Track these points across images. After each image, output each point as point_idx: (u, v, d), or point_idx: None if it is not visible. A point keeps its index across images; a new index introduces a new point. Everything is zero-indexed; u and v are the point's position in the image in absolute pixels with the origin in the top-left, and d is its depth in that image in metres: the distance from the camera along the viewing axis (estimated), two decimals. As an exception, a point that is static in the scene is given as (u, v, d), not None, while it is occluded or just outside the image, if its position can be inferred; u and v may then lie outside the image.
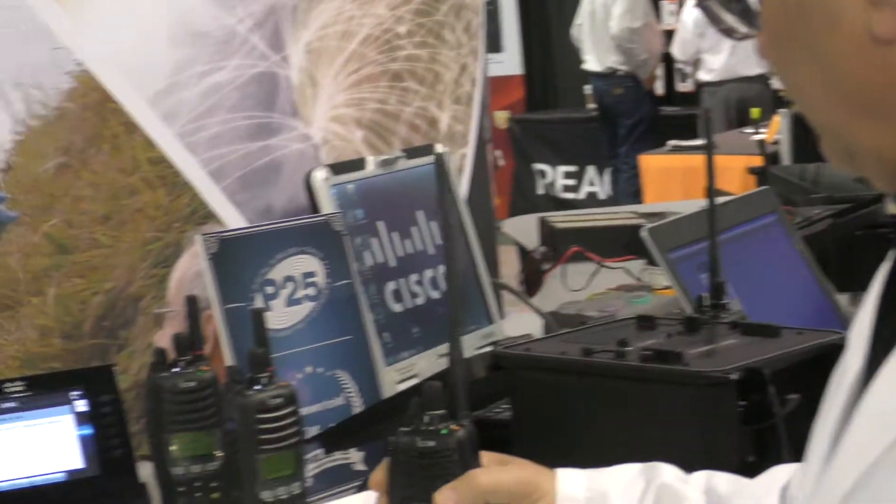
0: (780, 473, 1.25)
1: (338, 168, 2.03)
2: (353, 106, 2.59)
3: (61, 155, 2.05)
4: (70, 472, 1.56)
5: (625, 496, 1.26)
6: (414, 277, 2.06)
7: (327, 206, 1.96)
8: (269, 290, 1.77)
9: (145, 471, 1.59)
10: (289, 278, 1.79)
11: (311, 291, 1.81)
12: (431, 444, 1.22)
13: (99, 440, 1.58)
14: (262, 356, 1.52)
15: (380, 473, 1.27)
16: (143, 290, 2.10)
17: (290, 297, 1.79)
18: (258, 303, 1.74)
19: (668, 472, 1.28)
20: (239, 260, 1.74)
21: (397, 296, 2.03)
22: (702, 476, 1.28)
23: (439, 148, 2.25)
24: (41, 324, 2.00)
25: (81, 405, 1.60)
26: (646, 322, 1.62)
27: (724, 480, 1.27)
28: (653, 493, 1.26)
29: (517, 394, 1.56)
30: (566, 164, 9.22)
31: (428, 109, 2.80)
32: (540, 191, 9.29)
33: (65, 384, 1.61)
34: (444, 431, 1.23)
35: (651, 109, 8.47)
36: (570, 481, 1.27)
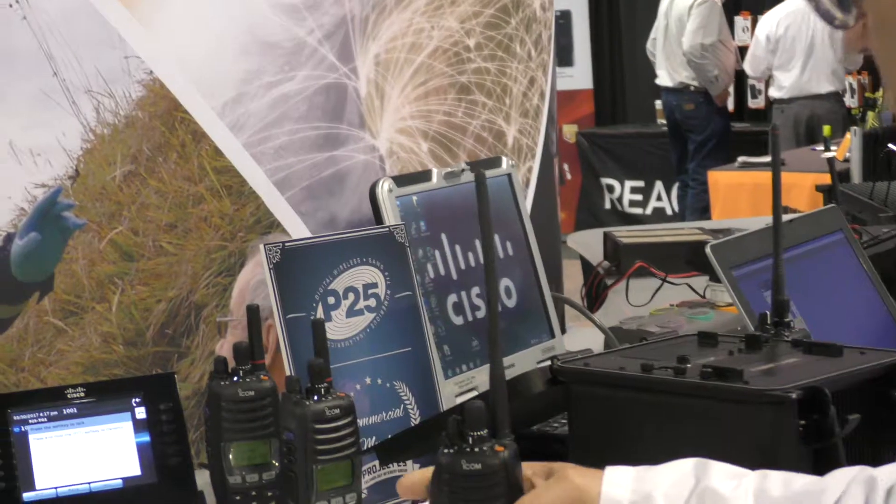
0: (835, 482, 1.23)
1: (403, 180, 2.03)
2: (420, 118, 2.59)
3: (129, 163, 2.07)
4: (127, 479, 1.57)
5: (668, 498, 1.24)
6: (475, 290, 2.06)
7: (391, 217, 1.96)
8: (331, 300, 1.77)
9: (202, 479, 1.60)
10: (350, 289, 1.79)
11: (372, 303, 1.81)
12: (477, 466, 1.22)
13: (156, 448, 1.59)
14: (320, 367, 1.52)
15: (413, 479, 1.27)
16: (207, 299, 2.12)
17: (351, 307, 1.79)
18: (319, 313, 1.74)
19: (717, 474, 1.25)
20: (301, 270, 1.75)
21: (458, 308, 2.03)
22: (755, 477, 1.26)
23: (505, 161, 2.25)
24: (105, 330, 2.02)
25: (141, 412, 1.61)
26: (707, 339, 1.61)
27: (778, 482, 1.24)
28: (696, 498, 1.24)
29: (575, 408, 1.55)
30: (634, 179, 9.19)
31: (495, 122, 2.80)
32: (607, 206, 9.26)
33: (125, 391, 1.62)
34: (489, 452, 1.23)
35: (722, 126, 8.41)
36: (615, 482, 1.26)
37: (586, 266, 3.27)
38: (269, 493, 1.56)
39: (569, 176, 9.16)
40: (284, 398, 1.53)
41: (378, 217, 1.97)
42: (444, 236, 2.05)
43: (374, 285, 1.82)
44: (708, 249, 1.93)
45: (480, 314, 2.05)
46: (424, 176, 2.07)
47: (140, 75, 2.08)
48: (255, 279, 2.13)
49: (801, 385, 1.40)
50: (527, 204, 2.76)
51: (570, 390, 1.54)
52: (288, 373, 1.65)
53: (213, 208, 2.15)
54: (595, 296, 2.77)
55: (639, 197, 9.20)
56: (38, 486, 1.53)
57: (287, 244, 1.75)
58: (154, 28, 2.12)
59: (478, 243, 2.09)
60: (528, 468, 1.26)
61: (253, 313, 1.61)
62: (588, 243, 3.30)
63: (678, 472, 1.27)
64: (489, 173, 2.15)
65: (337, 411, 1.50)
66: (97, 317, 2.01)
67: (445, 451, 1.25)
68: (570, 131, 9.22)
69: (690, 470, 1.26)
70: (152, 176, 2.09)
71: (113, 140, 2.05)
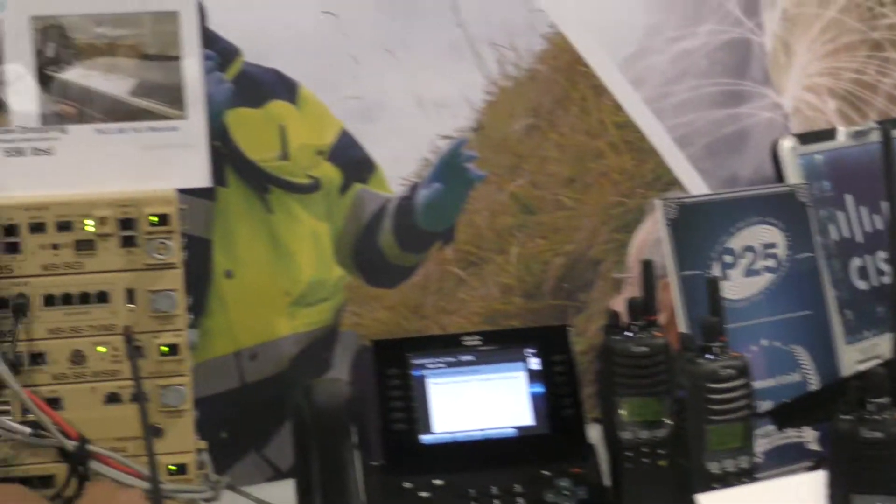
0: None
1: (806, 138, 1.99)
2: (828, 75, 2.51)
3: (530, 116, 2.10)
4: (521, 429, 1.59)
5: None
6: (881, 255, 1.98)
7: (793, 176, 1.92)
8: (728, 259, 1.74)
9: (594, 433, 1.61)
10: (748, 248, 1.76)
11: (770, 263, 1.77)
12: (878, 434, 1.17)
13: (550, 399, 1.60)
14: (714, 325, 1.50)
15: None
16: (603, 254, 2.12)
17: (749, 267, 1.76)
18: (715, 271, 1.72)
19: None
20: (698, 227, 1.73)
21: (862, 272, 1.96)
22: None
23: (917, 120, 2.14)
24: (503, 282, 2.05)
25: (535, 363, 1.62)
26: None
27: None
28: None
29: None
30: None
31: (909, 81, 2.68)
32: None
33: (520, 341, 1.64)
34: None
35: None
36: None
37: None
38: (661, 451, 1.55)
39: None
40: (678, 355, 1.52)
41: (779, 175, 1.94)
42: (849, 197, 1.98)
43: (774, 245, 1.78)
44: None
45: (886, 279, 1.97)
46: (829, 134, 2.02)
47: (543, 28, 2.09)
48: (652, 236, 2.12)
49: None
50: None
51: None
52: (682, 330, 1.64)
53: (613, 163, 2.15)
54: None
55: None
56: (435, 430, 1.57)
57: (685, 200, 1.74)
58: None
59: (884, 206, 2.01)
60: None
61: (647, 268, 1.60)
62: None
63: None
64: (900, 133, 2.07)
65: (732, 371, 1.47)
66: (496, 268, 2.05)
67: (844, 417, 1.21)
68: None
69: None
70: (553, 129, 2.11)
71: (514, 93, 2.07)
